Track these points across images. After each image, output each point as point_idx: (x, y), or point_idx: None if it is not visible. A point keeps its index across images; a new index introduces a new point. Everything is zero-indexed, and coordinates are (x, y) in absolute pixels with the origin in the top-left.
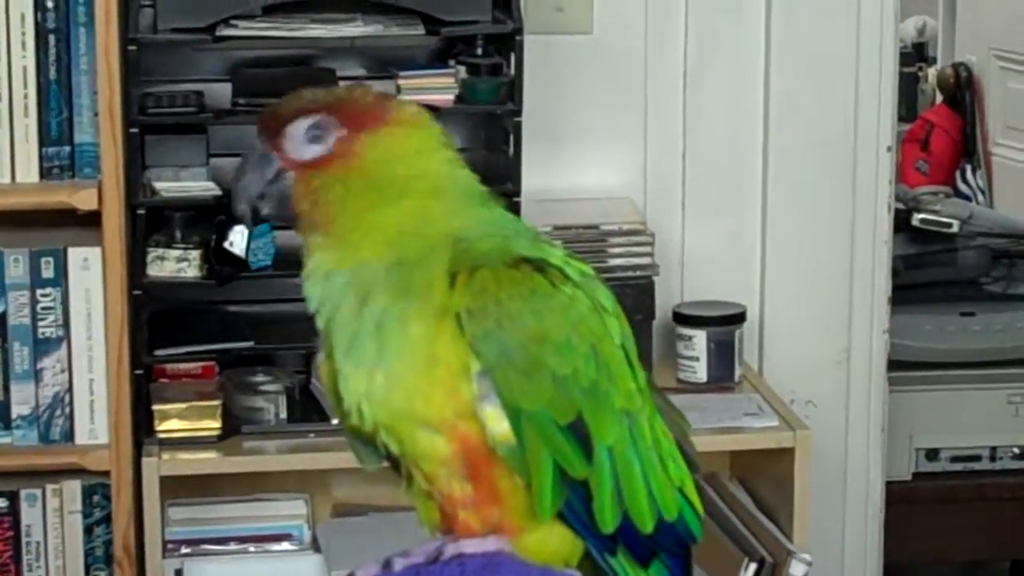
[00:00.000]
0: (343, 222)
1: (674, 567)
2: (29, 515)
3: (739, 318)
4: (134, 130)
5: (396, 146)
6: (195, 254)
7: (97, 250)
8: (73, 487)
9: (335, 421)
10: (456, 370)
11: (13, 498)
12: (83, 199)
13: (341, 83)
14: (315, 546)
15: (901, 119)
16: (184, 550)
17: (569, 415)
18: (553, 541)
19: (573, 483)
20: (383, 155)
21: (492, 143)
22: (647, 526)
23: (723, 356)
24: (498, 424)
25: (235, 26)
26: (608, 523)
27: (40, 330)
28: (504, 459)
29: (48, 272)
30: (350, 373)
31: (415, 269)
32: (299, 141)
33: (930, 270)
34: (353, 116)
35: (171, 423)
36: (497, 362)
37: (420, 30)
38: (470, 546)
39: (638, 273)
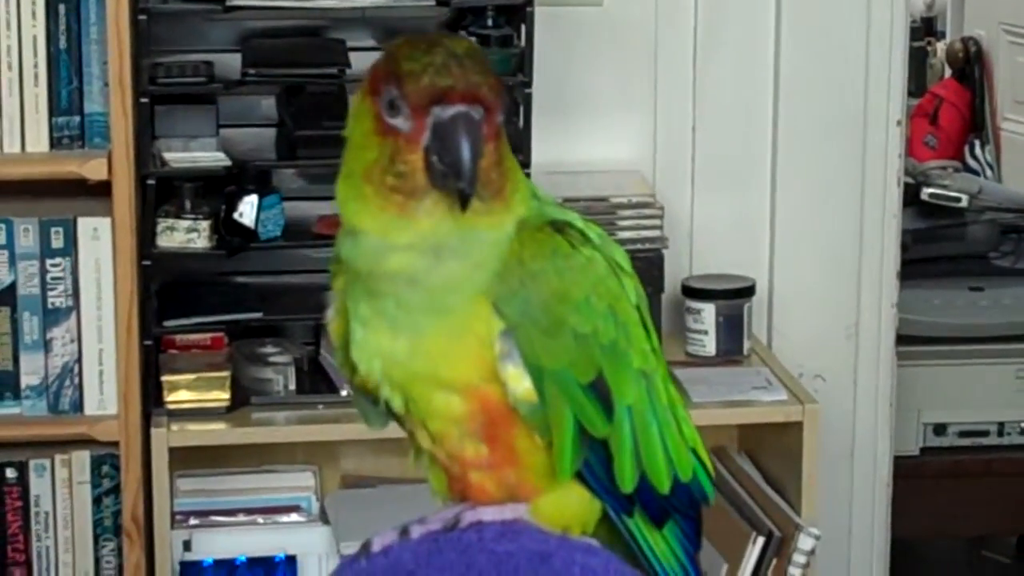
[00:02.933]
0: (510, 188)
1: (687, 528)
2: (38, 485)
3: (748, 292)
4: (144, 100)
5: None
6: (204, 225)
7: (107, 220)
8: (82, 458)
9: (344, 392)
10: (483, 335)
11: (22, 468)
12: (93, 169)
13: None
14: (323, 517)
15: (910, 94)
16: (192, 521)
17: (590, 374)
18: (571, 503)
19: (593, 443)
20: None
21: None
22: (664, 486)
23: (732, 330)
24: (520, 383)
25: None
26: (627, 482)
27: (50, 300)
28: (524, 419)
29: (58, 242)
30: (376, 328)
31: (502, 243)
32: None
33: (939, 244)
34: (499, 95)
35: (180, 394)
36: (520, 321)
37: (430, 0)
38: (488, 514)
39: (647, 246)
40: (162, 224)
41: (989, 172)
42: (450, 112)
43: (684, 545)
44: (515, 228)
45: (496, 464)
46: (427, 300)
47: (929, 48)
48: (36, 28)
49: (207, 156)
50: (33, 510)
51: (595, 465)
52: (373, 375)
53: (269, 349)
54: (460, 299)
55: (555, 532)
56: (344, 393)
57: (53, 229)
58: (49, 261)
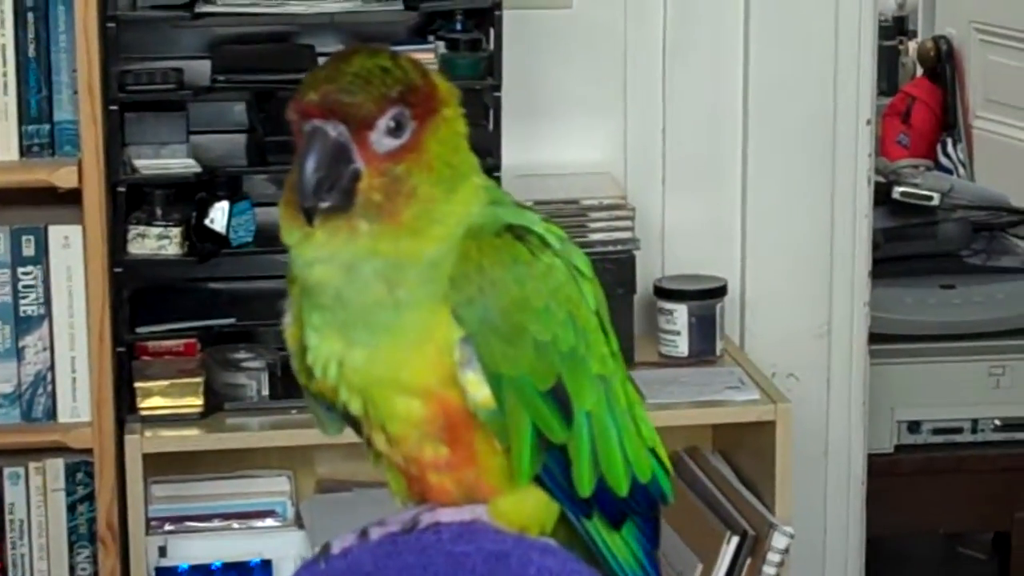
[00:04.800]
0: (412, 214)
1: (645, 528)
2: (12, 493)
3: (720, 292)
4: (114, 107)
5: (450, 133)
6: (176, 231)
7: (78, 228)
8: (56, 465)
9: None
10: (443, 342)
11: None
12: (63, 177)
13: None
14: (299, 522)
15: (882, 93)
16: (167, 527)
17: (549, 381)
18: (529, 504)
19: (551, 447)
20: (442, 144)
21: (472, 118)
22: (622, 489)
23: (704, 330)
24: (479, 390)
25: (214, 3)
26: (585, 487)
27: (22, 308)
28: (484, 424)
29: (29, 250)
30: (329, 336)
31: (444, 261)
32: (382, 134)
33: (911, 243)
34: (419, 104)
35: (153, 400)
36: (479, 328)
37: (399, 5)
38: (446, 515)
39: (619, 247)
40: (133, 231)
41: (961, 170)
42: (308, 127)
43: (643, 545)
44: (463, 235)
45: (455, 465)
46: (369, 313)
47: (901, 47)
48: (4, 36)
49: (177, 163)
50: (8, 518)
51: (553, 470)
52: (330, 380)
53: (242, 355)
54: (408, 312)
55: (512, 532)
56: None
57: (24, 237)
58: (20, 269)
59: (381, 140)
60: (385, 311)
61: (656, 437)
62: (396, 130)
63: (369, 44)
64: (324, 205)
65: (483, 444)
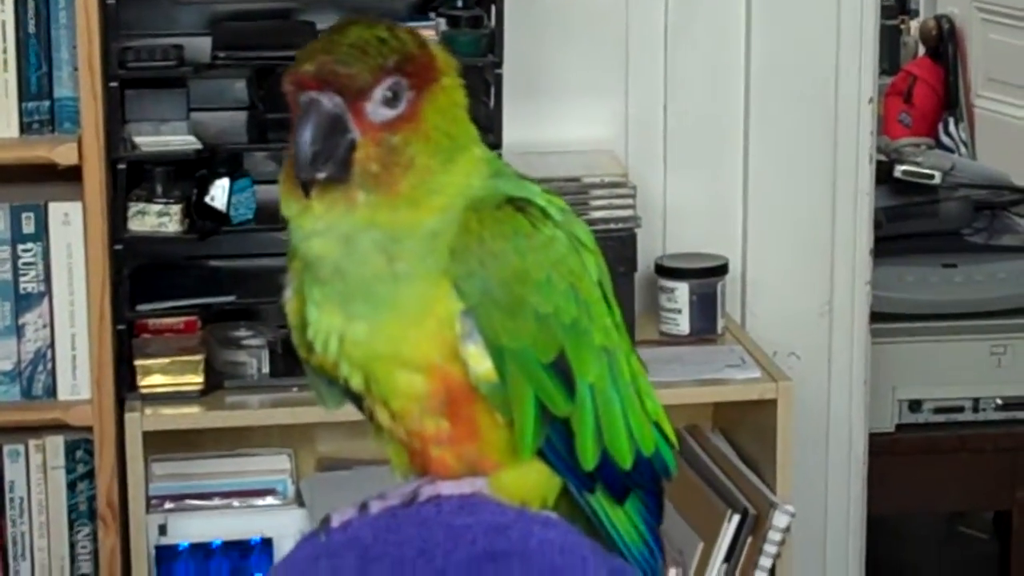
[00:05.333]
0: (410, 184)
1: (649, 502)
2: (12, 471)
3: (721, 270)
4: (114, 84)
5: (448, 103)
6: (176, 208)
7: (78, 205)
8: (56, 442)
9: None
10: (444, 316)
11: None
12: (63, 154)
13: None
14: (299, 500)
15: (884, 72)
16: (168, 505)
17: (551, 353)
18: (531, 478)
19: (554, 421)
20: (441, 114)
21: (473, 96)
22: (626, 462)
23: (705, 308)
24: (481, 363)
25: None
26: (589, 460)
27: (22, 285)
28: (486, 397)
29: (29, 227)
30: (330, 311)
31: (444, 233)
32: (378, 104)
33: (912, 222)
34: (416, 74)
35: (153, 378)
36: (480, 300)
37: None
38: (447, 488)
39: (620, 226)
40: (133, 208)
41: (963, 149)
42: (304, 99)
43: (646, 519)
44: (463, 207)
45: (457, 439)
46: (369, 286)
47: (903, 26)
48: (4, 13)
49: (178, 140)
50: (7, 496)
51: (556, 443)
52: (331, 355)
53: (242, 332)
54: (408, 284)
55: (513, 506)
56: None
57: (24, 214)
58: (20, 246)
59: (377, 110)
60: (384, 284)
61: (660, 410)
62: (393, 100)
63: (367, 16)
64: (321, 176)
65: (485, 418)
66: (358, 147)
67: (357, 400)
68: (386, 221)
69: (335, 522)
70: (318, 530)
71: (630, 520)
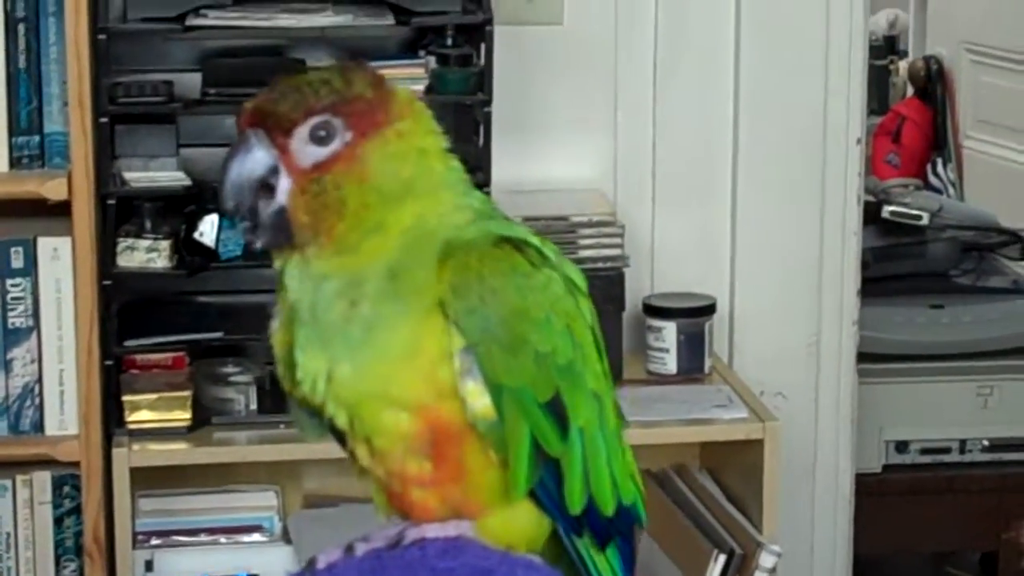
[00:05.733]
0: (344, 228)
1: (624, 550)
2: None
3: (709, 310)
4: (104, 120)
5: (400, 148)
6: (165, 244)
7: (67, 240)
8: (43, 478)
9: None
10: (438, 354)
11: None
12: (53, 189)
13: (334, 62)
14: (286, 537)
15: (872, 112)
16: (154, 541)
17: (548, 392)
18: (519, 521)
19: (547, 461)
20: (388, 159)
21: (462, 134)
22: (608, 508)
23: (693, 348)
24: (479, 400)
25: (205, 16)
26: (576, 503)
27: (10, 320)
28: (481, 436)
29: (18, 262)
30: (315, 354)
31: (407, 272)
32: (304, 142)
33: (900, 262)
34: (357, 117)
35: (141, 414)
36: (481, 338)
37: (390, 20)
38: (432, 530)
39: (608, 264)
40: (122, 244)
41: (951, 190)
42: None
43: (623, 567)
44: (431, 246)
45: (440, 481)
46: (341, 329)
47: (891, 67)
48: None
49: (167, 176)
50: None
51: (548, 484)
52: (318, 396)
53: (230, 369)
54: (383, 326)
55: (498, 549)
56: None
57: (13, 249)
58: (9, 281)
59: (304, 148)
60: (356, 326)
61: (634, 464)
62: (324, 139)
63: (348, 61)
64: (259, 245)
65: (474, 458)
66: (289, 205)
67: (340, 438)
68: (334, 267)
69: (321, 563)
70: (304, 570)
71: (610, 567)
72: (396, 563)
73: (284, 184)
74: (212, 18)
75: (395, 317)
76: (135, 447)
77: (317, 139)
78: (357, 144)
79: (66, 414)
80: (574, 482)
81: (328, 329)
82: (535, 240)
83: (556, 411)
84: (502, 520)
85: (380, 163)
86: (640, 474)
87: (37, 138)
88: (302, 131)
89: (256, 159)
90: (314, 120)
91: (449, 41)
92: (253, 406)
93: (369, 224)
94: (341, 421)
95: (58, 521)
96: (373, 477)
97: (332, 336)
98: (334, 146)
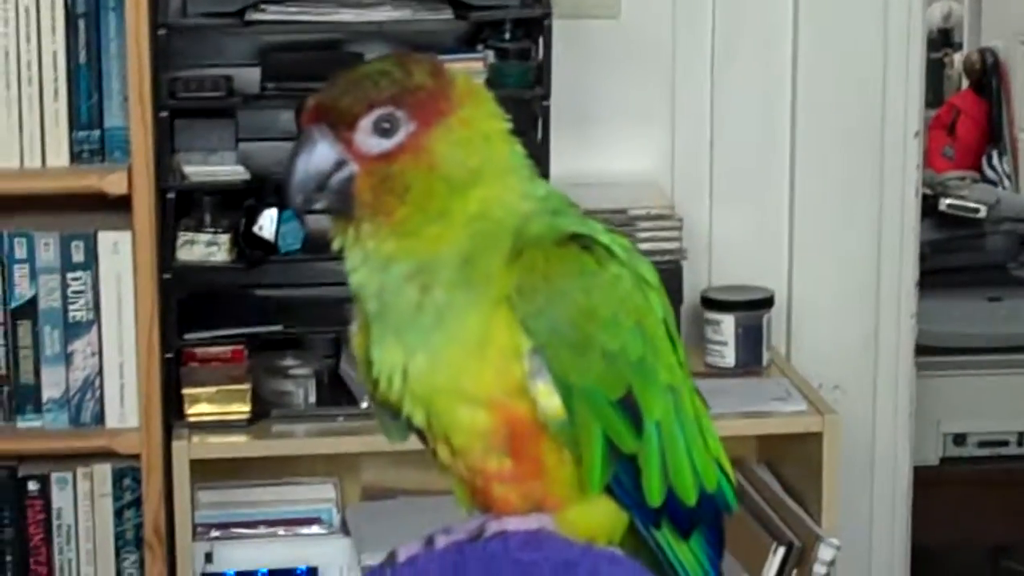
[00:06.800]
0: (411, 213)
1: (711, 537)
2: (60, 498)
3: (767, 303)
4: (164, 114)
5: (465, 135)
6: (224, 238)
7: (127, 234)
8: (104, 470)
9: (364, 404)
10: (507, 351)
11: (44, 481)
12: (113, 183)
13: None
14: (344, 529)
15: (927, 105)
16: (214, 533)
17: (619, 390)
18: (598, 515)
19: (622, 457)
20: (454, 147)
21: (520, 128)
22: (690, 499)
23: (751, 341)
24: (549, 400)
25: (264, 10)
26: (655, 497)
27: (71, 314)
28: (553, 434)
29: (78, 256)
30: (391, 346)
31: (479, 260)
32: (368, 134)
33: (957, 255)
34: (420, 108)
35: (201, 407)
36: (548, 339)
37: (449, 14)
38: (513, 523)
39: (666, 258)
40: (182, 238)
41: (1007, 182)
42: (302, 131)
43: (709, 554)
44: (504, 235)
45: (520, 477)
46: (413, 316)
47: (946, 59)
48: (56, 43)
49: (226, 170)
50: (55, 523)
51: (624, 480)
52: (395, 391)
53: (289, 362)
54: (456, 313)
55: (580, 542)
56: (364, 405)
57: (74, 243)
58: (70, 275)
59: (368, 140)
60: (427, 313)
61: (720, 447)
62: (388, 131)
63: (405, 52)
64: (320, 205)
65: (550, 455)
66: (356, 178)
67: (422, 435)
68: (399, 251)
69: (401, 556)
70: (384, 564)
71: (694, 555)
72: (478, 556)
73: (353, 167)
74: (271, 13)
75: (467, 306)
76: (194, 439)
77: (381, 131)
78: (422, 134)
79: (126, 407)
80: (652, 476)
81: (399, 317)
82: (604, 237)
83: (629, 408)
84: (582, 513)
85: (447, 152)
86: (728, 459)
87: (98, 133)
88: (365, 124)
89: (321, 154)
90: (377, 112)
91: (507, 35)
92: (312, 399)
93: (433, 211)
94: (419, 419)
95: (118, 513)
96: (454, 473)
97: (404, 325)
98: (399, 137)
